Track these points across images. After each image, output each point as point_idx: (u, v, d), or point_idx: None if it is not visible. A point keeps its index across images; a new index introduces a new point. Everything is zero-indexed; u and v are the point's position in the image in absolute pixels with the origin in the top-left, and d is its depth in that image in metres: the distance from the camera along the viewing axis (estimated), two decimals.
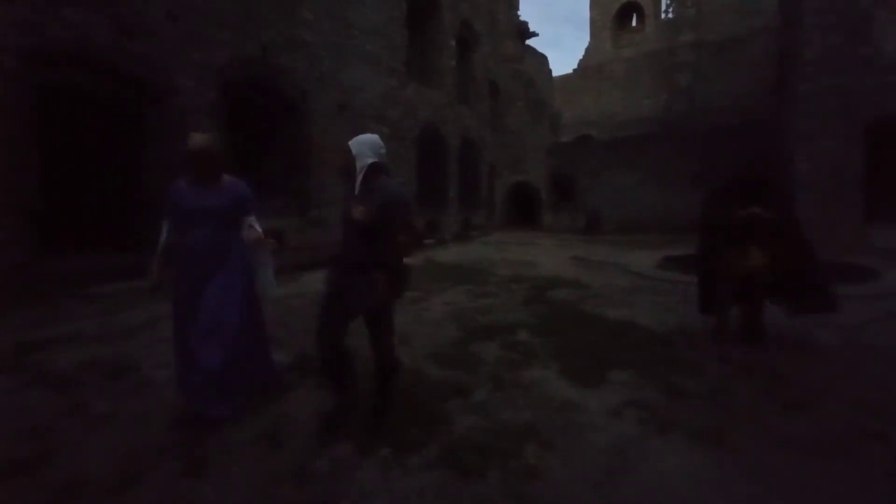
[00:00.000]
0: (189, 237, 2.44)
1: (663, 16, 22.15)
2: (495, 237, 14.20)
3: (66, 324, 4.12)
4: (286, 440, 2.21)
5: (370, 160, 2.18)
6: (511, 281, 6.68)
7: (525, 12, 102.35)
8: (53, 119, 5.69)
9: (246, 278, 2.59)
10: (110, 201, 6.45)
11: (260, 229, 2.63)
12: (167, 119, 6.13)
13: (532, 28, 18.83)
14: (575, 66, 24.98)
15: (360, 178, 2.17)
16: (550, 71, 23.77)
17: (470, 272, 7.41)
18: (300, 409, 2.56)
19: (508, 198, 18.20)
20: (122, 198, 6.33)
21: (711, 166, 12.80)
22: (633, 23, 23.97)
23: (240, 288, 2.52)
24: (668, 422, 2.41)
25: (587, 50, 24.83)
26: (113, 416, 2.46)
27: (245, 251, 2.59)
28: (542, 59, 22.90)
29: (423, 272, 7.30)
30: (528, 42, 19.79)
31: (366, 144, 2.20)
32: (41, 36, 4.93)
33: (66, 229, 5.90)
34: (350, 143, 2.22)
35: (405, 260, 2.40)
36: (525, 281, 6.62)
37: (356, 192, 2.18)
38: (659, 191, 14.72)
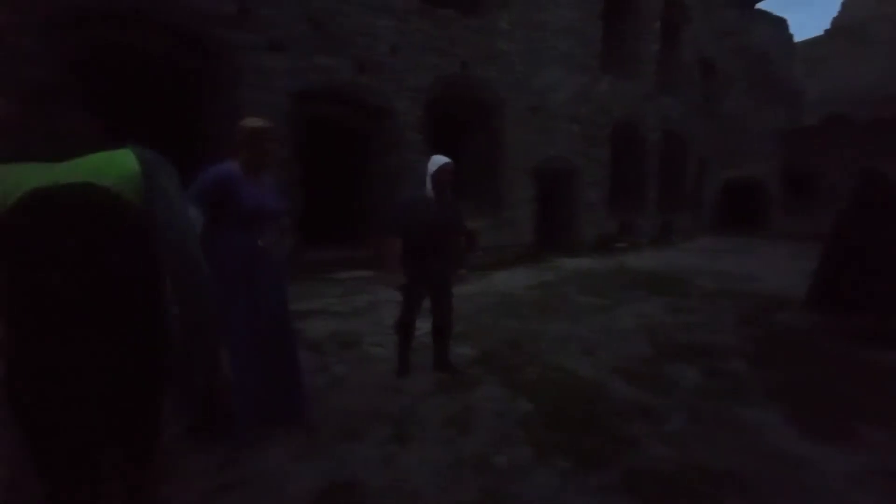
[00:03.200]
0: (242, 239, 2.12)
1: None
2: (702, 242, 12.34)
3: (318, 300, 5.27)
4: (472, 430, 2.42)
5: None
6: (720, 296, 5.74)
7: None
8: (309, 143, 7.37)
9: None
10: (346, 206, 8.02)
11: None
12: (386, 137, 7.27)
13: None
14: (827, 27, 19.58)
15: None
16: (791, 37, 19.12)
17: (668, 282, 6.65)
18: (485, 402, 2.75)
19: (721, 196, 15.51)
20: (354, 203, 7.79)
21: None
22: None
23: (287, 307, 2.35)
24: None
25: (844, 5, 19.20)
26: (345, 378, 3.08)
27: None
28: (779, 23, 18.58)
29: (612, 279, 6.88)
30: (762, 5, 16.33)
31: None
32: (304, 80, 6.42)
33: (318, 228, 7.59)
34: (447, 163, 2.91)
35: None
36: (739, 297, 5.61)
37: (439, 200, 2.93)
38: None
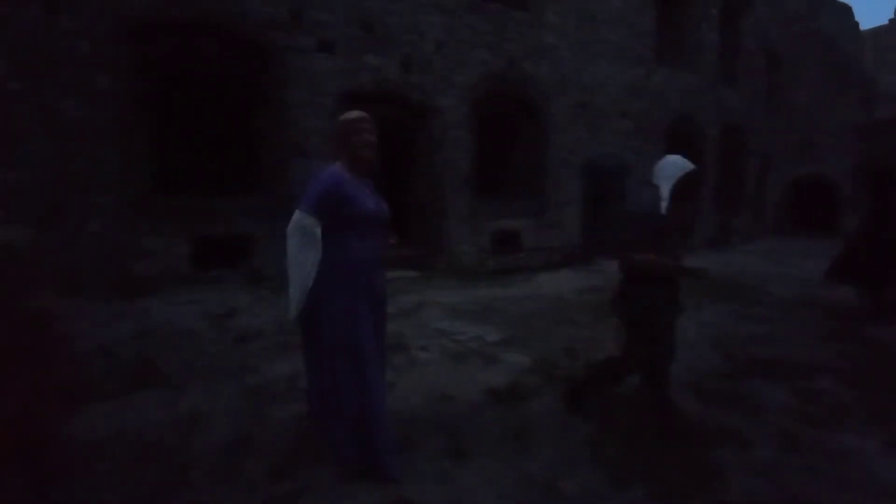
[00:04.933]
0: (360, 248, 1.90)
1: None
2: (764, 244, 11.48)
3: None
4: (534, 446, 2.22)
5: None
6: (798, 304, 5.23)
7: None
8: None
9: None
10: (391, 204, 7.96)
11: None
12: (432, 134, 7.15)
13: None
14: (892, 16, 17.80)
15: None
16: (857, 25, 17.62)
17: (732, 287, 6.15)
18: (545, 415, 2.54)
19: (787, 195, 14.41)
20: (399, 202, 7.74)
21: None
22: None
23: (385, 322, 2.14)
24: None
25: None
26: (394, 385, 2.95)
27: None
28: (844, 10, 17.14)
29: None
30: None
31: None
32: (353, 80, 6.41)
33: None
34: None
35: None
36: (820, 306, 5.08)
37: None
38: None
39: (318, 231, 1.82)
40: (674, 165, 2.28)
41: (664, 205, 2.23)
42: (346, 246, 1.86)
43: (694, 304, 5.17)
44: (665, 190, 2.24)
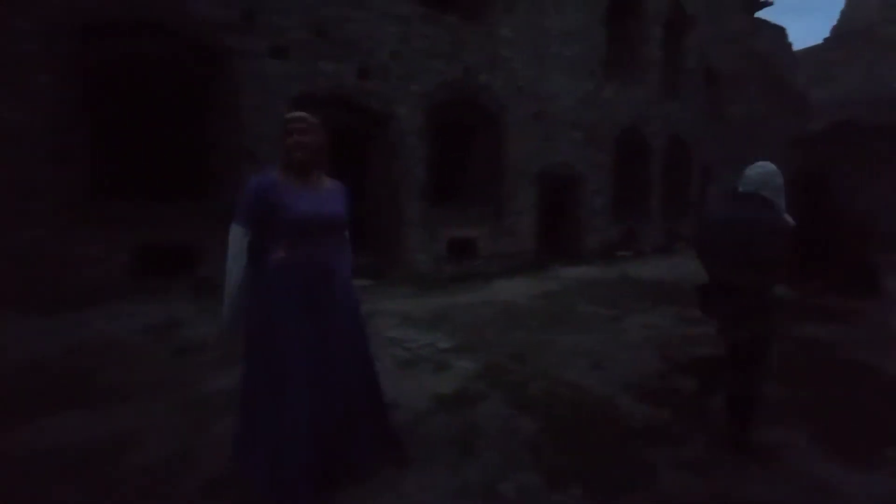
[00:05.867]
0: (290, 255, 1.80)
1: None
2: None
3: None
4: (477, 452, 2.25)
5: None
6: None
7: None
8: None
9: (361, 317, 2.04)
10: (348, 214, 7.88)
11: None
12: (388, 141, 7.15)
13: None
14: (827, 35, 19.61)
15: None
16: (790, 45, 19.20)
17: (675, 292, 6.46)
18: (489, 421, 2.58)
19: None
20: (354, 210, 7.66)
21: None
22: None
23: (362, 331, 2.03)
24: None
25: (844, 12, 19.22)
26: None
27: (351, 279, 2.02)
28: (779, 31, 18.65)
29: (618, 288, 6.72)
30: (760, 14, 16.41)
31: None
32: (308, 85, 6.32)
33: None
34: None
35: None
36: None
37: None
38: None
39: (246, 240, 1.79)
40: (776, 175, 2.28)
41: (788, 217, 2.23)
42: (275, 253, 1.80)
43: (640, 308, 5.42)
44: (783, 202, 2.25)
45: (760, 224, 2.15)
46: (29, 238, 4.62)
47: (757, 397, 2.30)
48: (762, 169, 2.29)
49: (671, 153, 12.46)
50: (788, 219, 2.22)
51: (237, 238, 1.79)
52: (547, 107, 9.07)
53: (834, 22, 19.98)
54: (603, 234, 10.45)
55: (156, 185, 6.47)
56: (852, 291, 5.66)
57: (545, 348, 3.85)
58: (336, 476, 1.88)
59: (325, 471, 1.82)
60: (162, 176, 6.78)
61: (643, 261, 9.97)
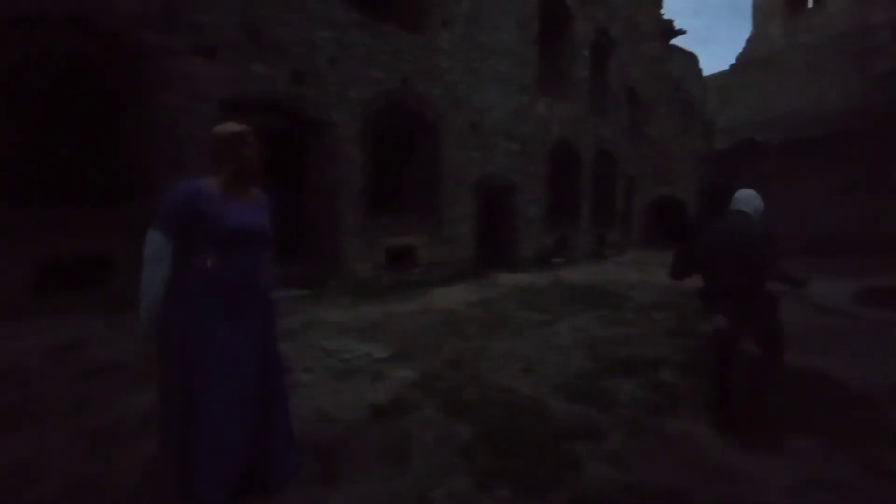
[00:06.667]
0: (215, 266, 1.76)
1: None
2: (632, 256, 13.05)
3: None
4: (410, 461, 2.25)
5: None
6: (652, 308, 6.01)
7: (673, 7, 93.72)
8: None
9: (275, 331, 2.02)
10: (280, 220, 7.58)
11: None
12: (325, 148, 7.01)
13: (680, 25, 17.25)
14: (733, 62, 21.97)
15: None
16: (700, 71, 21.30)
17: (603, 295, 6.89)
18: (424, 429, 2.59)
19: (649, 213, 16.62)
20: (288, 217, 7.40)
21: None
22: (810, 4, 20.23)
23: (277, 345, 2.02)
24: None
25: (749, 41, 21.67)
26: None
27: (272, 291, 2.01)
28: (691, 58, 20.64)
29: (551, 293, 7.02)
30: (675, 41, 18.06)
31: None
32: (238, 88, 6.05)
33: None
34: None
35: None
36: (670, 309, 5.90)
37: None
38: (860, 202, 11.86)
39: (168, 248, 1.72)
40: (758, 198, 2.88)
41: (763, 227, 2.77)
42: (201, 263, 1.75)
43: (571, 312, 5.70)
44: (759, 217, 2.83)
45: (753, 232, 2.69)
46: None
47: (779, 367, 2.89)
48: (747, 193, 2.90)
49: (599, 165, 13.29)
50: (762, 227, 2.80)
51: (158, 246, 1.71)
52: (483, 118, 9.34)
53: (739, 50, 22.27)
54: (538, 241, 10.89)
55: (69, 190, 5.86)
56: None
57: (481, 354, 3.93)
58: (255, 490, 1.88)
59: (242, 486, 1.83)
60: (72, 181, 6.15)
61: (575, 267, 10.51)
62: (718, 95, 21.57)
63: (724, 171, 14.87)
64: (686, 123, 16.59)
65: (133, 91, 5.46)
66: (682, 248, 5.78)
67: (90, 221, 5.06)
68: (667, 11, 17.37)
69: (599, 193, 13.48)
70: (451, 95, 8.71)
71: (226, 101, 5.91)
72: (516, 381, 3.34)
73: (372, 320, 5.03)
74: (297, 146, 7.12)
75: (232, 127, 1.87)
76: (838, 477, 2.13)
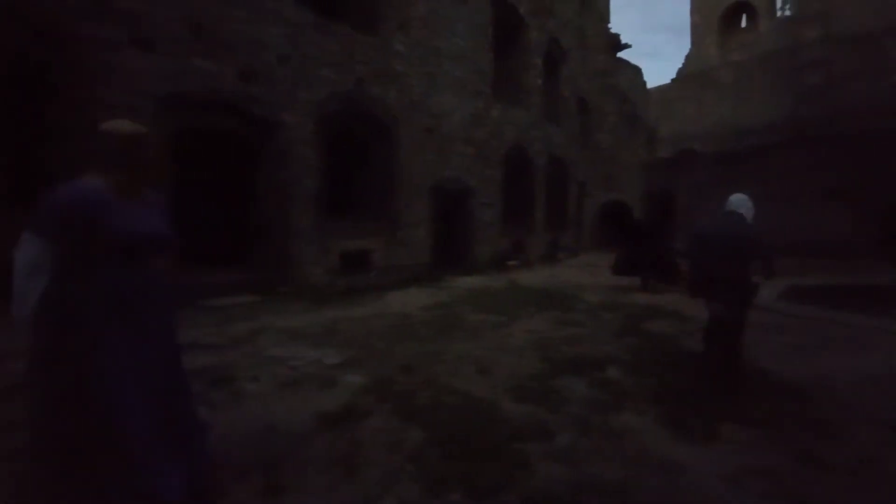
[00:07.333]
0: (110, 276, 1.62)
1: (779, 13, 19.95)
2: (584, 259, 13.51)
3: (190, 331, 4.58)
4: (360, 468, 2.18)
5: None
6: (602, 309, 6.22)
7: (620, 23, 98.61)
8: (185, 155, 6.56)
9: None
10: (229, 223, 7.24)
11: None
12: (275, 150, 6.77)
13: (627, 39, 18.18)
14: (674, 76, 23.37)
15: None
16: (645, 83, 22.53)
17: (556, 297, 7.06)
18: (375, 436, 2.52)
19: (599, 217, 17.30)
20: (238, 221, 7.08)
21: (859, 177, 11.06)
22: (743, 24, 21.96)
23: (180, 360, 1.90)
24: (803, 499, 1.97)
25: (688, 57, 23.20)
26: (211, 421, 2.62)
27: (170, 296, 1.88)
28: (636, 71, 21.79)
29: (505, 296, 7.11)
30: (621, 54, 18.96)
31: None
32: (179, 84, 5.72)
33: (192, 250, 6.71)
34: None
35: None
36: (618, 309, 6.12)
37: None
38: (785, 208, 12.87)
39: (48, 255, 1.55)
40: (749, 201, 3.27)
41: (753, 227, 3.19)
42: (94, 273, 1.60)
43: (525, 314, 5.79)
44: (751, 218, 3.22)
45: (744, 232, 3.14)
46: None
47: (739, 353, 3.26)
48: (740, 196, 3.30)
49: (552, 171, 13.69)
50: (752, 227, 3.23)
51: (36, 251, 1.54)
52: (439, 122, 9.38)
53: (679, 65, 23.71)
54: (494, 244, 11.04)
55: None
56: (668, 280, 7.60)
57: (434, 358, 3.90)
58: None
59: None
60: None
61: (530, 269, 10.73)
62: (661, 107, 22.83)
63: (665, 177, 15.75)
64: (632, 132, 17.45)
65: (62, 85, 5.04)
66: (624, 248, 6.30)
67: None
68: (614, 26, 18.23)
69: (552, 198, 13.87)
70: (407, 99, 8.68)
71: (166, 97, 5.58)
72: (470, 383, 3.34)
73: (324, 326, 4.88)
74: (246, 147, 6.84)
75: (127, 127, 1.71)
76: (772, 465, 2.27)
